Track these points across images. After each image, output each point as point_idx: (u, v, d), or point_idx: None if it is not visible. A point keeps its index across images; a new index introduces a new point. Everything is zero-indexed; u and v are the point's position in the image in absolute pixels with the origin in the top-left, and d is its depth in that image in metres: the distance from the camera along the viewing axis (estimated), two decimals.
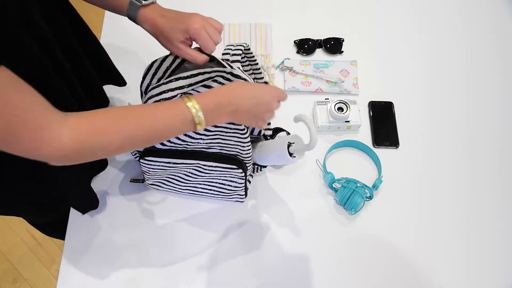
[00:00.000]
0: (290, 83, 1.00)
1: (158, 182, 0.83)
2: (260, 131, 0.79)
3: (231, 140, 0.73)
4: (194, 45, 0.70)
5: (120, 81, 0.94)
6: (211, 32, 0.67)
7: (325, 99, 0.95)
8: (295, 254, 0.82)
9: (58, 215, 0.97)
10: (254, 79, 0.83)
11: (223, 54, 0.70)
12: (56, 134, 0.47)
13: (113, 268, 0.81)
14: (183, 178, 0.81)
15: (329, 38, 1.06)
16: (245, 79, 0.66)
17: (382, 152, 0.92)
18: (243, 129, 0.70)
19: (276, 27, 1.08)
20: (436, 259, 0.83)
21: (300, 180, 0.89)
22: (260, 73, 0.82)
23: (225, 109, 0.61)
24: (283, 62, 1.03)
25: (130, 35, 1.04)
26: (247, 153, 0.75)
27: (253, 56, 0.79)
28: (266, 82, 0.87)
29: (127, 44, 1.05)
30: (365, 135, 0.95)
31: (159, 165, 0.76)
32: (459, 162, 0.93)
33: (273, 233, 0.84)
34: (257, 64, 0.81)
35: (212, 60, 0.69)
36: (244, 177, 0.78)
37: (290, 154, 0.72)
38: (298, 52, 1.06)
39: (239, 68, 0.68)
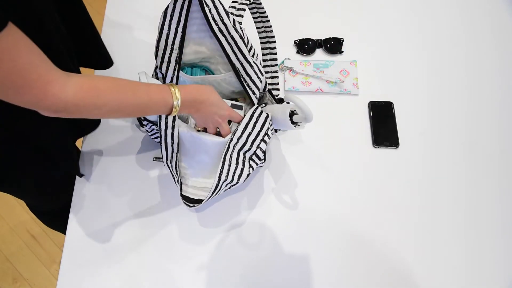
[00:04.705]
0: (290, 83, 1.00)
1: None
2: (265, 87, 0.81)
3: None
4: None
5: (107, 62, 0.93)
6: None
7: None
8: (294, 254, 0.82)
9: (59, 202, 0.97)
10: (265, 37, 0.87)
11: (233, 1, 0.75)
12: (61, 89, 0.51)
13: (113, 268, 0.81)
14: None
15: (329, 38, 1.06)
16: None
17: (382, 152, 0.92)
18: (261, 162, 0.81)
19: (276, 27, 1.08)
20: (436, 259, 0.83)
21: (298, 180, 0.90)
22: (272, 31, 0.87)
23: (195, 106, 0.69)
24: (283, 62, 1.03)
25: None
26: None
27: (265, 12, 0.82)
28: (274, 43, 0.89)
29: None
30: (365, 135, 0.95)
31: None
32: (459, 162, 0.93)
33: (272, 233, 0.84)
34: (268, 21, 0.85)
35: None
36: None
37: (294, 122, 0.73)
38: (298, 52, 1.06)
39: (240, 27, 0.72)
